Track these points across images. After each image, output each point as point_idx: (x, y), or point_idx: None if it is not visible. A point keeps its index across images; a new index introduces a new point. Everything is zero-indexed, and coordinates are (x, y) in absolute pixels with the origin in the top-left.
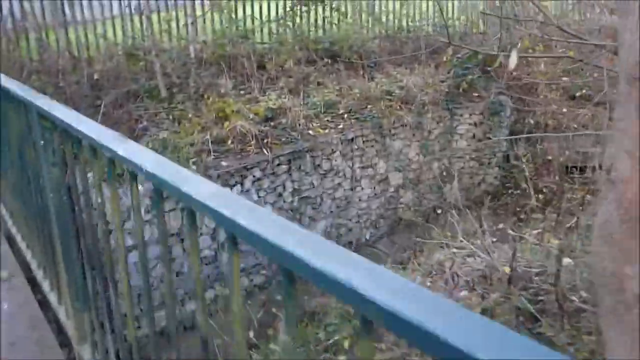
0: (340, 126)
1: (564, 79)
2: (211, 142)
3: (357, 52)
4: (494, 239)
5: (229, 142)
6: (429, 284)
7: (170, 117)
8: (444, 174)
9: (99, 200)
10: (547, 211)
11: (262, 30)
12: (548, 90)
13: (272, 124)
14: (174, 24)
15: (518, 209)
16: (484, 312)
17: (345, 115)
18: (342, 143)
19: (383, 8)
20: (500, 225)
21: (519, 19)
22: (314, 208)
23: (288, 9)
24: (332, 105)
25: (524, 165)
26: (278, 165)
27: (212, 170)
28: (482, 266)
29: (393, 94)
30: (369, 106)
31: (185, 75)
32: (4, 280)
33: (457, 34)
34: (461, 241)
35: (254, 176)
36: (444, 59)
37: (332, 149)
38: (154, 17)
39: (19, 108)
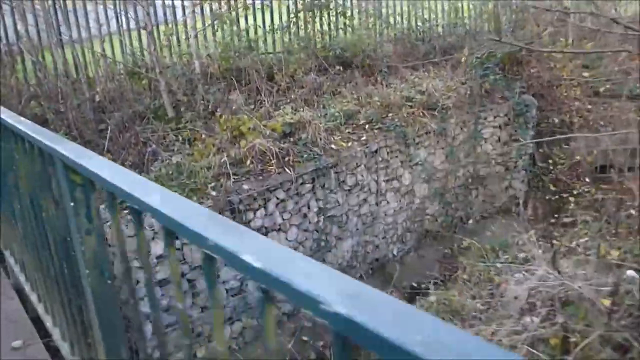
0: (363, 138)
1: (585, 74)
2: (229, 163)
3: (369, 57)
4: (541, 251)
5: (248, 162)
6: (480, 306)
7: (180, 138)
8: (470, 180)
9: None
10: (588, 216)
11: (266, 40)
12: (570, 87)
13: (291, 139)
14: (174, 39)
15: (555, 215)
16: (565, 342)
17: (367, 126)
18: (366, 156)
19: (390, 10)
20: (532, 232)
21: (569, 11)
22: (339, 227)
23: (292, 15)
24: (351, 115)
25: (553, 168)
26: (302, 184)
27: (233, 195)
28: (552, 288)
29: (413, 100)
30: (389, 114)
31: (192, 92)
32: (16, 349)
33: (470, 32)
34: (519, 262)
35: (277, 198)
36: (462, 59)
37: (357, 163)
38: (153, 31)
39: (30, 151)
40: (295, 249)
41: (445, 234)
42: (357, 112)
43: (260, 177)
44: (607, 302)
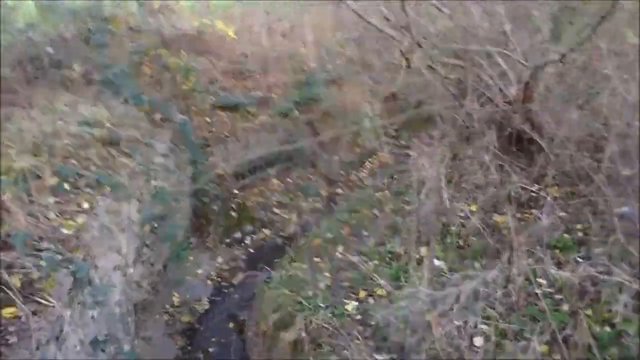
0: (85, 205)
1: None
2: None
3: None
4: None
5: None
6: None
7: None
8: (155, 225)
9: None
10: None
11: None
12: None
13: None
14: None
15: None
16: None
17: (64, 185)
18: (98, 231)
19: None
20: (220, 260)
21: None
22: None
23: None
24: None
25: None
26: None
27: None
28: None
29: (93, 136)
30: (72, 160)
31: None
32: None
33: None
34: None
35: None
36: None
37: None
38: None
39: None
40: None
41: (153, 298)
42: (36, 165)
43: None
44: None
